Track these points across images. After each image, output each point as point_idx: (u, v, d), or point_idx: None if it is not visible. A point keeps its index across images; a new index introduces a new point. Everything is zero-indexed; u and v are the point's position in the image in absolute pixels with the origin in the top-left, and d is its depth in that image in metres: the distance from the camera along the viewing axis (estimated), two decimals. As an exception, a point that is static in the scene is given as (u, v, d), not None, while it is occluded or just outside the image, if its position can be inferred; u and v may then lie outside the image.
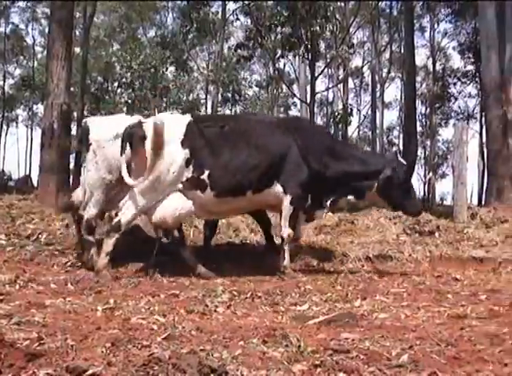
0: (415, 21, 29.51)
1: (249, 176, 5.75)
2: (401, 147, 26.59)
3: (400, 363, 2.92)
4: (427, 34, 39.01)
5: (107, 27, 41.25)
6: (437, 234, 8.35)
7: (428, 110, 39.09)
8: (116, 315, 3.97)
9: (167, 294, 4.79)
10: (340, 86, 38.39)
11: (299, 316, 4.11)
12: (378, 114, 38.96)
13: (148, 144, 5.49)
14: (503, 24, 12.94)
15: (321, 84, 42.56)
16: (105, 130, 6.15)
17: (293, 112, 47.12)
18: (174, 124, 5.76)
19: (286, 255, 5.97)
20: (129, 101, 39.35)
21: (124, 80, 37.49)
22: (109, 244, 5.57)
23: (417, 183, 40.28)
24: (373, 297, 4.82)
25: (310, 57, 20.66)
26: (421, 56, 44.36)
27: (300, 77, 33.94)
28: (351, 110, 26.14)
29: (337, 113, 25.06)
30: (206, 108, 43.08)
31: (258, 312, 4.27)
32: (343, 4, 28.67)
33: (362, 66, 42.99)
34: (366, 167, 6.13)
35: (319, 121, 39.40)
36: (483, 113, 22.51)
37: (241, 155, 5.76)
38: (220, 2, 28.48)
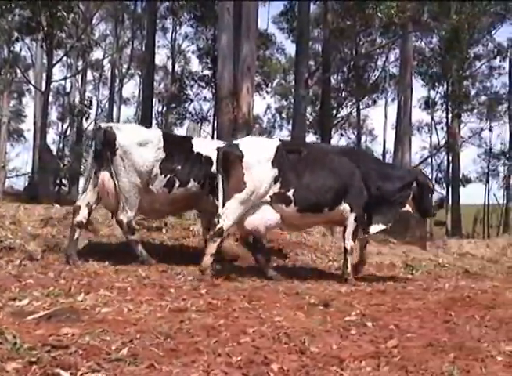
0: (158, 21, 30.03)
1: (326, 196, 6.63)
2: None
3: (119, 357, 2.96)
4: (168, 35, 39.94)
5: None
6: (164, 230, 8.58)
7: (165, 109, 40.04)
8: None
9: None
10: (79, 77, 37.43)
11: (18, 311, 3.92)
12: (115, 109, 38.80)
13: (244, 163, 6.30)
14: (239, 35, 13.79)
15: (59, 73, 40.89)
16: (132, 136, 6.57)
17: (28, 99, 44.92)
18: (266, 146, 6.61)
19: (349, 265, 6.77)
20: None
21: None
22: (213, 247, 6.25)
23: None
24: (96, 291, 4.77)
25: (48, 44, 19.85)
26: (162, 56, 45.35)
27: (36, 63, 32.26)
28: (91, 102, 25.68)
29: (75, 106, 24.50)
30: None
31: (-29, 309, 3.97)
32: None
33: (103, 59, 42.46)
34: (404, 181, 7.07)
35: (54, 111, 37.86)
36: (216, 117, 23.73)
37: (319, 178, 6.64)
38: None
